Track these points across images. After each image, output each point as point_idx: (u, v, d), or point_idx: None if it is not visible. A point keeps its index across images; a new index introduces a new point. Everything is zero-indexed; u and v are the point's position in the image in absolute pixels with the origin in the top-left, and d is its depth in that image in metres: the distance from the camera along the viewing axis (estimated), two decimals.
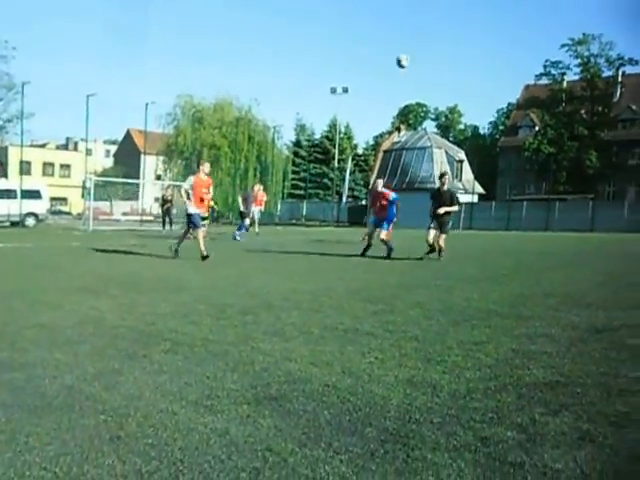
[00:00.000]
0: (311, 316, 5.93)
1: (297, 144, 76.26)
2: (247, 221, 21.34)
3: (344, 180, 65.88)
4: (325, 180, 71.52)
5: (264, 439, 2.81)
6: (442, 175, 13.33)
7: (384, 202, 13.61)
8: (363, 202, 64.42)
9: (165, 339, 4.75)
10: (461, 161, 56.14)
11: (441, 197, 12.96)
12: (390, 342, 4.80)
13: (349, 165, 67.67)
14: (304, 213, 58.62)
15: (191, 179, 12.91)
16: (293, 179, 62.32)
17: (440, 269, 11.06)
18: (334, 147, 64.56)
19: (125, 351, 4.38)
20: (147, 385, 3.59)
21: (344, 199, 62.66)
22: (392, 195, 13.65)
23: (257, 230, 23.60)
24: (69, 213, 59.10)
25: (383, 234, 13.52)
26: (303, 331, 5.17)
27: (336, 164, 63.65)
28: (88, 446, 2.72)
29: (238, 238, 20.25)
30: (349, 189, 68.01)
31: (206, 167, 13.02)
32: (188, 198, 12.60)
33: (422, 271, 10.74)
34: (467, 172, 56.86)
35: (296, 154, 70.71)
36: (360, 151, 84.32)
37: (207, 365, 4.03)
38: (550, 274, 10.48)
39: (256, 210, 23.33)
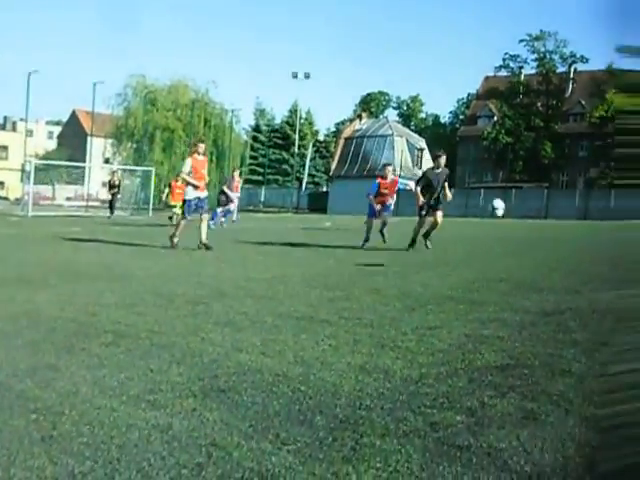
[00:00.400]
0: (265, 304, 5.87)
1: (256, 129, 75.96)
2: (225, 207, 21.12)
3: (304, 166, 65.98)
4: (285, 166, 71.38)
5: (209, 433, 2.74)
6: (438, 155, 12.08)
7: (390, 190, 13.68)
8: (324, 189, 64.72)
9: (107, 331, 4.61)
10: (422, 149, 57.06)
11: (435, 179, 11.79)
12: (345, 329, 4.79)
13: (310, 151, 67.82)
14: (262, 199, 58.45)
15: (188, 162, 12.22)
16: (251, 164, 62.21)
17: (398, 255, 11.11)
18: (294, 133, 64.54)
19: (62, 345, 4.22)
20: (85, 380, 3.46)
21: (304, 185, 62.78)
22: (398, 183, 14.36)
23: (235, 218, 23.49)
24: (6, 198, 56.56)
25: (388, 219, 13.36)
26: (256, 320, 5.11)
27: (296, 150, 63.78)
28: (17, 448, 2.57)
29: (212, 224, 20.11)
30: (309, 175, 68.19)
31: (200, 147, 12.40)
32: (189, 183, 12.05)
33: (380, 258, 10.75)
34: (427, 160, 57.46)
35: (255, 139, 70.58)
36: (321, 137, 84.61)
37: (151, 358, 3.93)
38: (504, 260, 10.63)
39: (235, 196, 23.08)
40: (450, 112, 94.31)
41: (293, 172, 64.22)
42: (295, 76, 60.02)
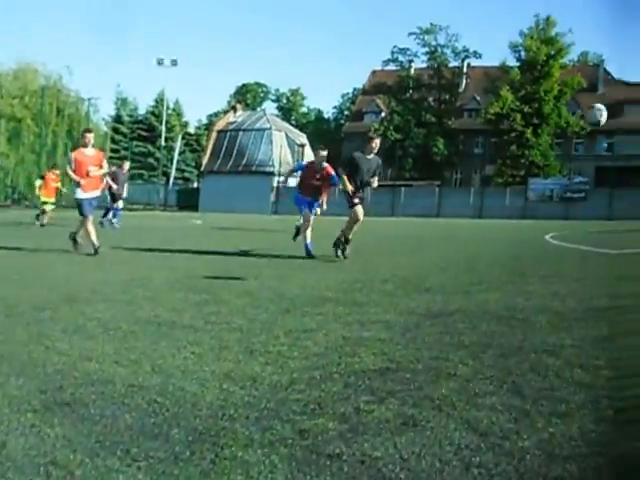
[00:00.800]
0: (121, 309, 5.74)
1: (117, 119, 74.85)
2: (121, 203, 20.63)
3: (172, 160, 65.30)
4: (150, 160, 70.33)
5: (49, 451, 2.63)
6: (372, 138, 10.81)
7: (321, 181, 11.57)
8: (195, 185, 64.27)
9: None
10: (303, 145, 57.82)
11: (365, 166, 10.57)
12: (210, 335, 4.74)
13: (178, 144, 67.24)
14: (125, 196, 57.15)
15: (70, 156, 11.33)
16: (112, 158, 60.78)
17: (275, 256, 11.12)
18: (161, 124, 64.06)
19: None
20: None
21: (172, 181, 62.11)
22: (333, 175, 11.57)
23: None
24: None
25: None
26: (110, 327, 4.97)
27: (163, 143, 63.10)
28: None
29: (115, 223, 20.07)
30: (178, 170, 67.55)
31: (87, 138, 11.31)
32: (76, 181, 11.20)
33: (255, 259, 10.75)
34: (309, 157, 58.47)
35: (116, 130, 69.74)
36: (191, 130, 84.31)
37: None
38: (392, 259, 10.87)
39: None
40: (334, 107, 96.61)
41: (160, 166, 63.37)
42: (160, 63, 59.49)
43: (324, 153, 11.66)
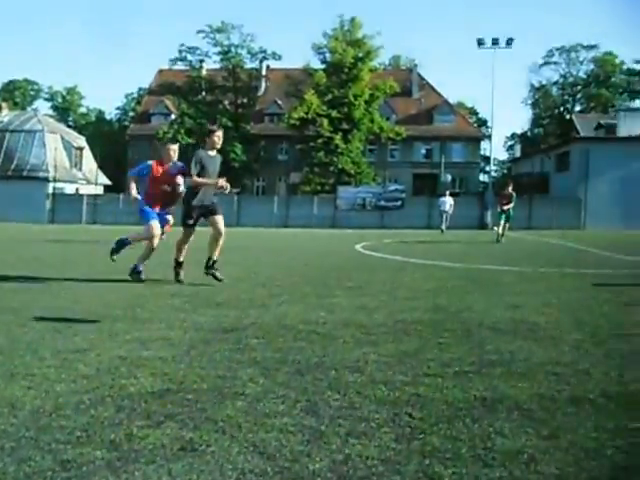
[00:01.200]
0: None
1: None
2: None
3: None
4: None
5: None
6: (213, 131, 9.43)
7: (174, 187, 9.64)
8: None
9: None
10: (81, 148, 56.31)
11: (211, 165, 9.40)
12: None
13: None
14: None
15: None
16: None
17: (48, 269, 10.58)
18: None
19: None
20: None
21: None
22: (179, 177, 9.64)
23: None
24: None
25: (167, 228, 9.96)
26: None
27: None
28: None
29: None
30: None
31: None
32: None
33: (25, 271, 10.19)
34: (89, 161, 57.65)
35: None
36: None
37: None
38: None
39: None
40: (118, 108, 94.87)
41: None
42: None
43: (175, 147, 9.99)
